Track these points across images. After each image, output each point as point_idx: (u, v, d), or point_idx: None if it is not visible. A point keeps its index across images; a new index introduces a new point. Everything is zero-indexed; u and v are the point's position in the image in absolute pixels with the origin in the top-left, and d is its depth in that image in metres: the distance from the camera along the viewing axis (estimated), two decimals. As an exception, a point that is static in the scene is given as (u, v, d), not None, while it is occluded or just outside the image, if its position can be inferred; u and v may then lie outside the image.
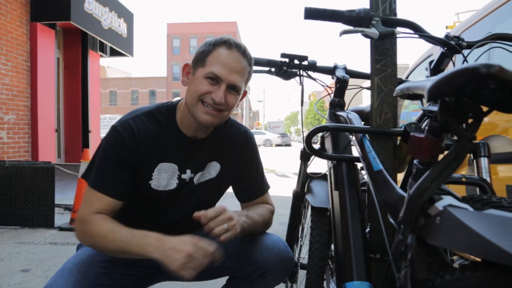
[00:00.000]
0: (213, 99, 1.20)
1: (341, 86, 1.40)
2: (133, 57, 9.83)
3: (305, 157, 1.57)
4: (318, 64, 1.52)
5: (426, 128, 0.71)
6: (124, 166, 1.24)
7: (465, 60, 1.06)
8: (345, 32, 1.05)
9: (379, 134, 1.11)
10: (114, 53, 9.48)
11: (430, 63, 1.20)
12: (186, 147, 1.32)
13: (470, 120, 0.66)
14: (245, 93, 1.32)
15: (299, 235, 1.73)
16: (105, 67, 46.02)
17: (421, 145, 0.69)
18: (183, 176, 1.32)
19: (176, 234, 1.41)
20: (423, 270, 0.68)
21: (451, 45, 1.07)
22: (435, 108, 0.68)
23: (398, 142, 1.16)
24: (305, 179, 1.57)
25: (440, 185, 0.68)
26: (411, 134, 0.70)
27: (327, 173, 1.50)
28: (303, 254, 1.77)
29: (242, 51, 1.23)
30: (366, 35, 1.06)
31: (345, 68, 1.49)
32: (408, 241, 0.70)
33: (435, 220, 0.64)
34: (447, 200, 0.67)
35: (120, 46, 9.10)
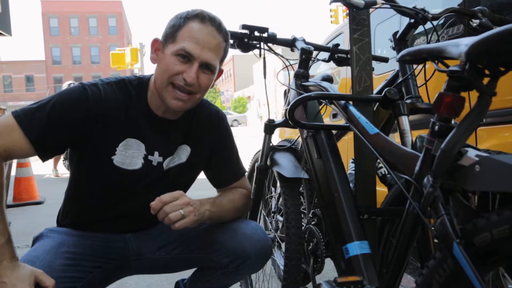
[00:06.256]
0: (184, 80, 1.12)
1: (306, 57, 1.42)
2: (11, 36, 8.67)
3: (269, 130, 1.57)
4: (277, 36, 1.53)
5: (445, 87, 0.77)
6: (66, 126, 1.10)
7: (434, 29, 1.16)
8: (335, 0, 1.07)
9: (362, 101, 1.16)
10: (-14, 31, 8.23)
11: (395, 34, 1.29)
12: (155, 127, 1.23)
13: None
14: (221, 71, 1.24)
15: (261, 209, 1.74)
16: (-33, 50, 39.81)
17: (452, 103, 0.74)
18: (150, 157, 1.23)
19: (142, 223, 1.31)
20: (454, 217, 0.74)
21: (420, 17, 1.16)
22: (457, 68, 0.74)
23: (375, 108, 1.23)
24: (269, 152, 1.58)
25: (468, 138, 0.74)
26: (440, 93, 0.75)
27: (299, 143, 1.54)
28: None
29: (217, 25, 1.15)
30: (350, 4, 1.10)
31: (304, 40, 1.51)
32: (436, 192, 0.76)
33: (473, 169, 0.70)
34: (473, 151, 0.74)
35: (-5, 24, 7.94)
